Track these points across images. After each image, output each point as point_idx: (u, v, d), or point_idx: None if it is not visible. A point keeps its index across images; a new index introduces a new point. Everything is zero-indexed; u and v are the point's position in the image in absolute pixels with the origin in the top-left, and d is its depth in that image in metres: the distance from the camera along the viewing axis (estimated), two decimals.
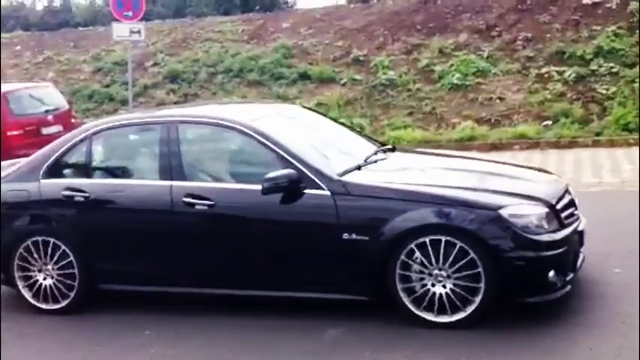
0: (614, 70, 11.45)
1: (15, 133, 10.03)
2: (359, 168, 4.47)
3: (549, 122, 10.70)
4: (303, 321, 4.27)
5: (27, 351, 4.30)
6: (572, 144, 9.84)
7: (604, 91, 11.11)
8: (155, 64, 15.20)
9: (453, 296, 3.96)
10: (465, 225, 3.91)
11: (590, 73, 11.56)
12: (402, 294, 4.05)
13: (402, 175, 4.55)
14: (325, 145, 4.73)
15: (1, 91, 10.26)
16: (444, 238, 3.93)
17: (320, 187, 4.18)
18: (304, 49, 14.45)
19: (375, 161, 4.69)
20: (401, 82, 12.67)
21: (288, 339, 4.08)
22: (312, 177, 4.20)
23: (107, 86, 14.99)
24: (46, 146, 5.06)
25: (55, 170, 4.83)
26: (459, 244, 3.90)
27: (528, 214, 3.98)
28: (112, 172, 4.93)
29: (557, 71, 11.78)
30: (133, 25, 11.94)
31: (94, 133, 4.83)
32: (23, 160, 5.12)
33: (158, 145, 4.60)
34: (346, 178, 4.25)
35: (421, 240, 3.96)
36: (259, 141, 4.39)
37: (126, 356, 4.08)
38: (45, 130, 10.44)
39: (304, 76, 13.60)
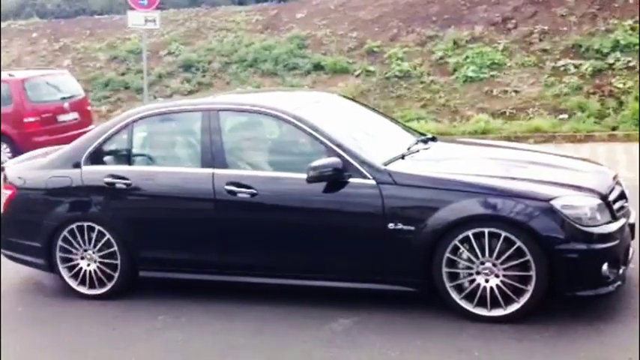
0: (631, 64, 11.35)
1: (31, 119, 10.12)
2: (403, 157, 4.42)
3: (565, 116, 10.64)
4: (314, 309, 4.29)
5: (42, 335, 4.35)
6: (587, 138, 9.77)
7: (621, 85, 11.01)
8: (170, 53, 15.24)
9: (502, 290, 3.88)
10: (516, 216, 3.82)
11: (607, 67, 11.47)
12: (448, 286, 3.98)
13: (448, 164, 4.46)
14: (367, 134, 4.68)
15: (19, 77, 10.36)
16: (493, 230, 3.84)
17: (365, 176, 4.13)
18: (318, 39, 14.42)
19: (418, 151, 4.64)
20: (415, 74, 12.63)
21: (299, 327, 4.11)
22: (357, 166, 4.16)
23: (122, 74, 15.06)
24: (87, 133, 5.13)
25: (97, 157, 4.83)
26: (509, 235, 3.82)
27: (581, 205, 3.88)
28: (153, 159, 4.89)
29: (573, 64, 11.70)
30: (148, 14, 11.98)
31: (135, 121, 4.82)
32: (65, 147, 5.13)
33: (200, 132, 4.57)
34: (391, 168, 4.20)
35: (469, 231, 3.88)
36: (302, 129, 4.35)
37: (139, 341, 4.13)
38: (61, 118, 10.54)
39: (318, 67, 13.59)
